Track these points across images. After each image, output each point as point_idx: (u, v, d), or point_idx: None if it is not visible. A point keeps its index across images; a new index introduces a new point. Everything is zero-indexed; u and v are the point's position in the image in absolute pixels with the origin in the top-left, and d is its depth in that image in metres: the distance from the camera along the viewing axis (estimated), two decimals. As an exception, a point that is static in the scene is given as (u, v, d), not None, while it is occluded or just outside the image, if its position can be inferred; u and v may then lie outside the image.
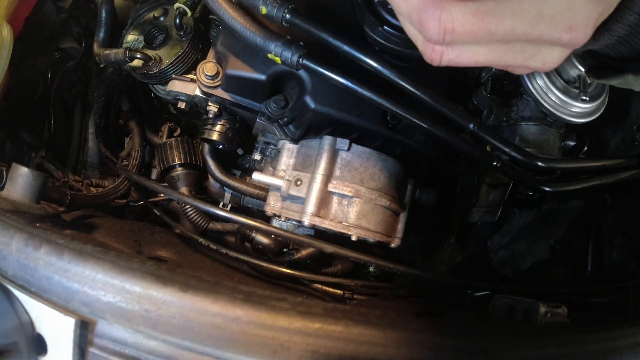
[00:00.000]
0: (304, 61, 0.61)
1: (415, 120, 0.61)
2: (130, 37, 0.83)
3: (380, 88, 0.62)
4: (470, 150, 0.64)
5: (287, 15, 0.61)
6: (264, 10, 0.61)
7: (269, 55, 0.62)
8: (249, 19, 0.62)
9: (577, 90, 0.66)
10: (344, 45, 0.60)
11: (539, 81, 0.69)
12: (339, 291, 0.80)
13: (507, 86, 0.76)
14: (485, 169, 0.81)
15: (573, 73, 0.66)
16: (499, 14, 0.36)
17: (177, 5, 0.78)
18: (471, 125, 0.62)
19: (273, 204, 0.72)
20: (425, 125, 0.62)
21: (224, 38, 0.72)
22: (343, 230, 0.65)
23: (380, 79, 0.62)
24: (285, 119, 0.73)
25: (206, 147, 0.83)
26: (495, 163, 0.63)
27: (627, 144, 0.78)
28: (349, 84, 0.61)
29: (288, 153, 0.72)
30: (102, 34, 0.84)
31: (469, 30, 0.36)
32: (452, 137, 0.63)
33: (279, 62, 0.62)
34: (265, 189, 0.79)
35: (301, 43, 0.62)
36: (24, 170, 0.60)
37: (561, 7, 0.36)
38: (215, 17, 0.82)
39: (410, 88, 0.60)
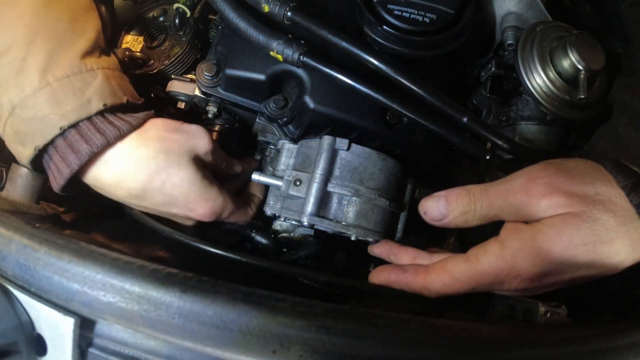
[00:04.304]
0: (304, 58, 0.62)
1: (411, 114, 0.62)
2: (129, 37, 0.83)
3: (379, 85, 0.62)
4: (463, 145, 0.65)
5: (289, 13, 0.62)
6: (266, 8, 0.62)
7: (271, 52, 0.63)
8: (252, 18, 0.63)
9: (575, 89, 0.66)
10: (343, 41, 0.61)
11: (538, 80, 0.69)
12: (339, 291, 0.80)
13: (506, 85, 0.76)
14: (485, 169, 0.81)
15: (572, 72, 0.66)
16: None
17: (176, 5, 0.78)
18: (465, 119, 0.63)
19: (272, 204, 0.72)
20: (421, 120, 0.63)
21: (223, 38, 0.72)
22: (342, 230, 0.65)
23: (379, 77, 0.62)
24: (285, 119, 0.73)
25: (206, 147, 0.83)
26: (487, 157, 0.64)
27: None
28: (348, 80, 0.62)
29: (287, 153, 0.72)
30: (101, 34, 0.84)
31: None
32: (446, 131, 0.64)
33: (281, 59, 0.63)
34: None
35: (302, 41, 0.62)
36: (23, 171, 0.60)
37: None
38: (214, 17, 0.82)
39: (406, 83, 0.61)
